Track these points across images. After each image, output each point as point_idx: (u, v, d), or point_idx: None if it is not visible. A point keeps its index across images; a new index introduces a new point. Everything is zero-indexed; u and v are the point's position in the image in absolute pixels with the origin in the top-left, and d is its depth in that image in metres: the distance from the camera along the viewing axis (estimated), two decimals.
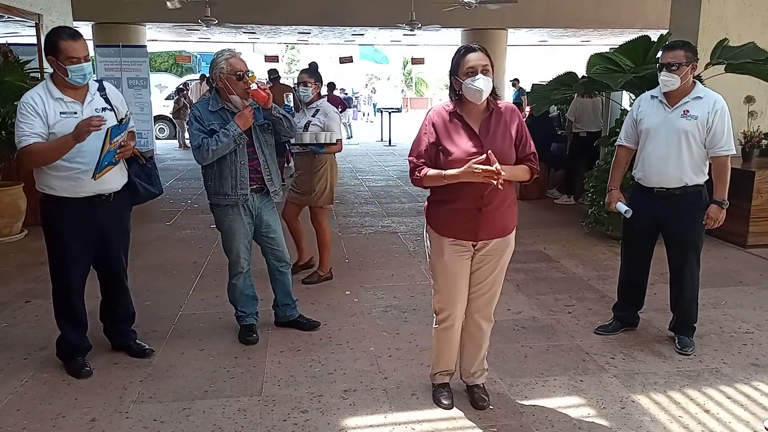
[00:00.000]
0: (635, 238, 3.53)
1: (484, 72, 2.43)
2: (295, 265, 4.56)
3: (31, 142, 2.79)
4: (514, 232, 2.66)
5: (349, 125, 14.92)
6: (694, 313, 3.46)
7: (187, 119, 3.33)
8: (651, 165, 3.31)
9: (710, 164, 3.33)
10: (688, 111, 3.21)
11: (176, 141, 15.23)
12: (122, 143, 2.87)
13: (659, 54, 3.37)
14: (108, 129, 2.76)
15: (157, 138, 11.32)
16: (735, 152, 3.32)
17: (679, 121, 3.22)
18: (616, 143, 3.59)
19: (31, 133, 2.79)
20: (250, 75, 3.23)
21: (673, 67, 3.17)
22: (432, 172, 2.50)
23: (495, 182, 2.34)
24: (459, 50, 2.52)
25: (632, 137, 3.44)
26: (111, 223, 3.08)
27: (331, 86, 14.45)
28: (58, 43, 2.80)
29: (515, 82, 17.25)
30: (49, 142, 2.81)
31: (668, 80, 3.19)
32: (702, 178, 3.29)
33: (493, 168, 2.32)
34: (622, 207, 3.40)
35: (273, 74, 9.76)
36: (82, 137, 2.74)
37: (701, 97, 3.22)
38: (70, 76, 2.82)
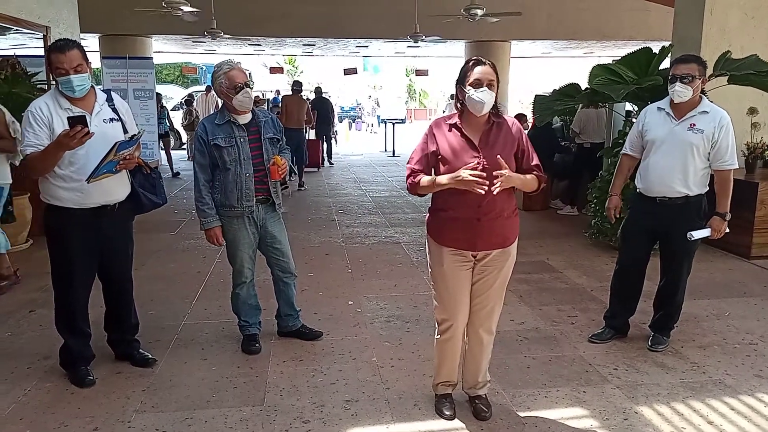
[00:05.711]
0: (632, 245, 3.56)
1: (489, 86, 2.47)
2: None
3: (27, 152, 2.84)
4: (515, 243, 2.66)
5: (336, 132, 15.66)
6: (677, 316, 3.61)
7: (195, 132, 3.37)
8: (655, 175, 3.34)
9: (712, 176, 3.38)
10: (694, 124, 3.25)
11: (181, 151, 15.29)
12: (127, 156, 2.89)
13: (668, 65, 3.42)
14: (116, 143, 2.79)
15: (162, 148, 11.45)
16: (738, 166, 3.35)
17: (685, 134, 3.26)
18: (621, 152, 3.66)
19: (28, 144, 2.82)
20: (274, 158, 3.25)
21: (687, 80, 3.20)
22: (426, 178, 2.56)
23: (482, 191, 2.36)
24: (468, 61, 2.56)
25: (637, 147, 3.50)
26: (115, 233, 3.09)
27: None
28: (48, 55, 2.88)
29: None
30: (39, 152, 2.80)
31: (682, 92, 3.21)
32: (703, 189, 3.35)
33: (481, 175, 2.35)
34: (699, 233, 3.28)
35: (296, 86, 10.16)
36: (64, 149, 2.73)
37: (707, 112, 3.26)
38: (60, 88, 2.87)
